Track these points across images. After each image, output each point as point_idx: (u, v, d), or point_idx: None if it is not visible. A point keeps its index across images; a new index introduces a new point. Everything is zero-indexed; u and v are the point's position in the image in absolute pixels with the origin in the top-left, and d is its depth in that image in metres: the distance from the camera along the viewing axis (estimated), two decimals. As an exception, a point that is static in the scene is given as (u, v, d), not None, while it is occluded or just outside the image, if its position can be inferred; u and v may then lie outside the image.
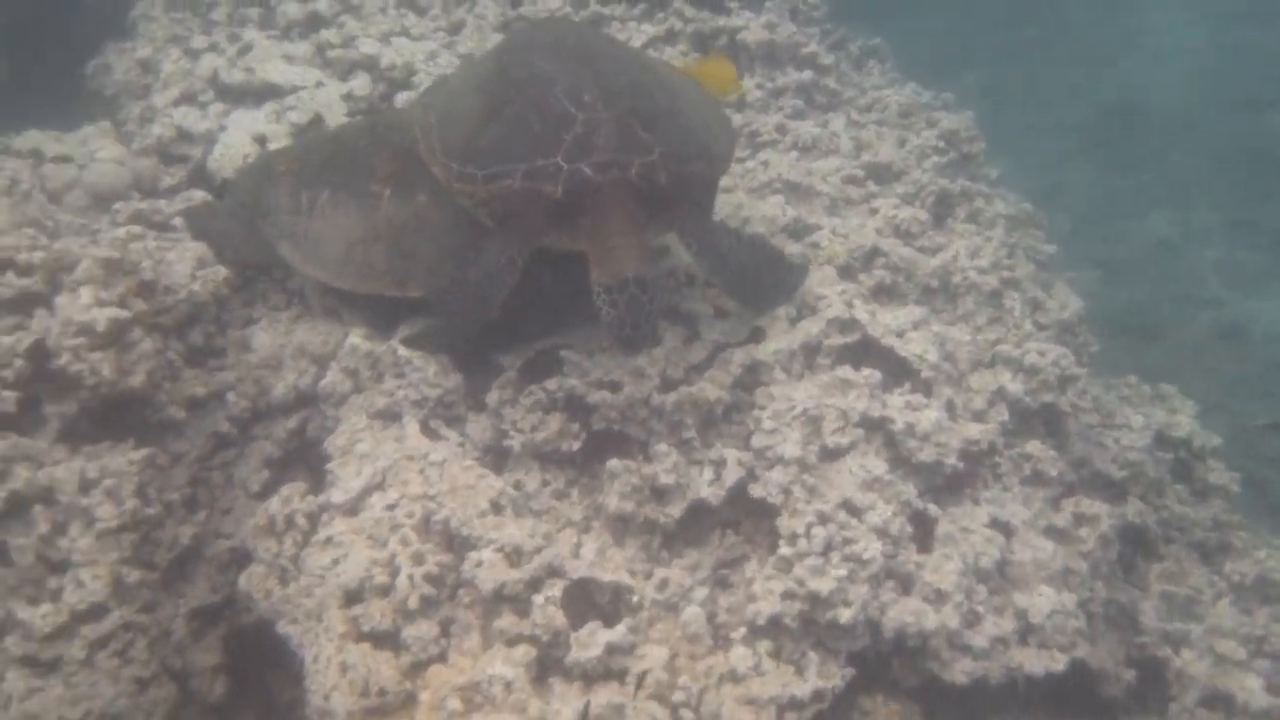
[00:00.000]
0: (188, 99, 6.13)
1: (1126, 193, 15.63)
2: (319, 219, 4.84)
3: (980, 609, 4.24)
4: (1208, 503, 5.95)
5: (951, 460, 4.53)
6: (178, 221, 5.32)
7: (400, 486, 4.15)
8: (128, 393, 4.25)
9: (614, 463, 4.27)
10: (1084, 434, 5.43)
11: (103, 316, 4.16)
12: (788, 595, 3.96)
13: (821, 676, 3.89)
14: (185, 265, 4.72)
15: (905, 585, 4.19)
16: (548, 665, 3.79)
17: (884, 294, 5.45)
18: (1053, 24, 18.69)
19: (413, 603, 3.76)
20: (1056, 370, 5.26)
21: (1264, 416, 10.82)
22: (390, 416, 4.52)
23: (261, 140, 5.72)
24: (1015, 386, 5.08)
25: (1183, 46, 19.11)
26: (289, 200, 4.93)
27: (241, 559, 4.29)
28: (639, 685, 3.74)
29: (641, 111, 4.29)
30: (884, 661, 4.21)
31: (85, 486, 4.01)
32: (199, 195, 5.64)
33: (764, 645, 3.96)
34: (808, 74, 7.02)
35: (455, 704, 3.57)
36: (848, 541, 4.05)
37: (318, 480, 4.38)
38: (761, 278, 4.88)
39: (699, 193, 4.71)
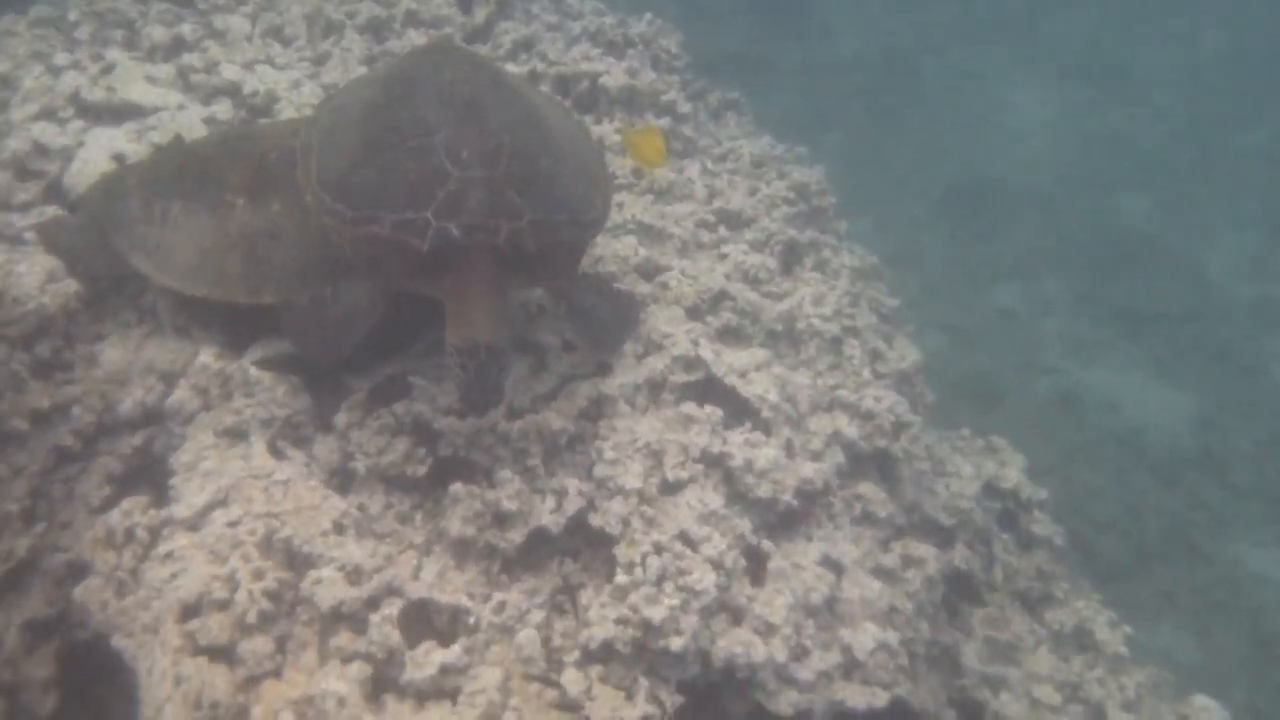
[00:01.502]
0: (47, 115, 6.07)
1: (976, 262, 16.04)
2: (171, 228, 4.83)
3: (808, 643, 4.38)
4: (1032, 553, 6.18)
5: (787, 497, 4.68)
6: (29, 235, 5.28)
7: (244, 504, 4.15)
8: (-30, 403, 4.24)
9: (457, 487, 4.33)
10: (916, 479, 5.61)
11: (-52, 325, 4.15)
12: (621, 621, 4.05)
13: (651, 703, 3.98)
14: (35, 278, 4.70)
15: (736, 617, 4.32)
16: (382, 683, 3.83)
17: (729, 335, 5.58)
18: (910, 95, 19.12)
19: (250, 617, 3.77)
20: (892, 417, 5.44)
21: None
22: (237, 435, 4.52)
23: (120, 159, 5.69)
24: (851, 430, 5.25)
25: (1034, 125, 19.69)
26: (141, 211, 4.92)
27: (79, 573, 4.23)
28: (471, 705, 3.80)
29: (517, 174, 4.27)
30: (713, 691, 4.33)
31: (-79, 494, 3.99)
32: (53, 211, 5.60)
33: (596, 670, 4.05)
34: (666, 121, 7.15)
35: (288, 718, 3.60)
36: (682, 572, 4.16)
37: (161, 497, 4.36)
38: (616, 322, 4.98)
39: (567, 256, 4.75)
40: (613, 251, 5.81)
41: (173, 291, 4.86)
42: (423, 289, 4.42)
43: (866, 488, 5.20)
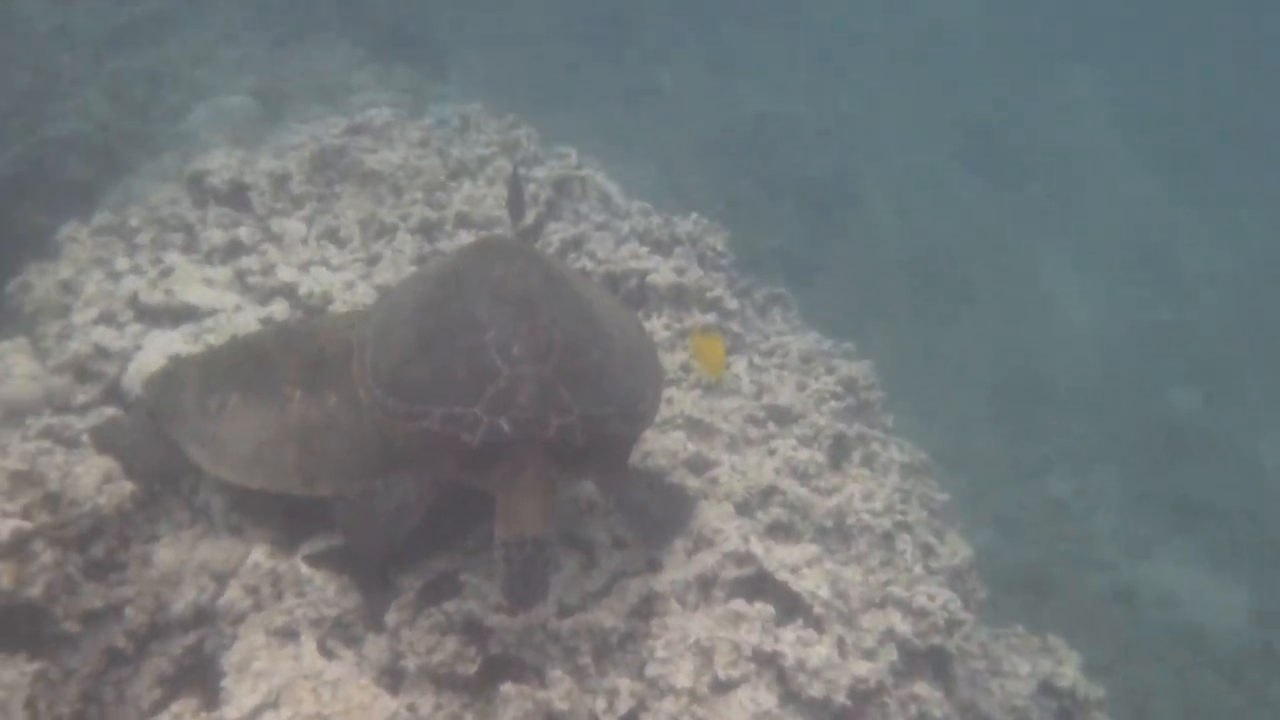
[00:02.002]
0: (106, 318, 6.22)
1: (1026, 457, 15.96)
2: (228, 420, 4.89)
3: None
4: (1090, 753, 6.05)
5: (840, 697, 4.60)
6: (85, 437, 5.35)
7: (294, 705, 4.13)
8: (24, 604, 4.23)
9: (508, 687, 4.30)
10: (971, 678, 5.51)
11: (5, 527, 4.18)
12: (676, 823, 3.99)
13: None
14: (92, 479, 4.73)
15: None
16: None
17: (780, 531, 5.56)
18: (957, 291, 19.22)
19: (298, 820, 3.74)
20: (945, 614, 5.37)
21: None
22: (288, 635, 4.50)
23: (176, 360, 5.81)
24: (905, 627, 5.18)
25: (1083, 320, 19.73)
26: (197, 404, 4.99)
27: (129, 776, 4.24)
28: None
29: (568, 370, 4.33)
30: None
31: (-25, 697, 3.98)
32: (111, 412, 5.68)
33: None
34: (713, 317, 7.22)
35: None
36: (737, 772, 4.10)
37: (212, 698, 4.33)
38: (667, 518, 4.96)
39: (617, 449, 4.77)
40: (662, 446, 5.83)
41: (226, 486, 4.91)
42: (473, 482, 4.43)
43: (921, 687, 5.11)
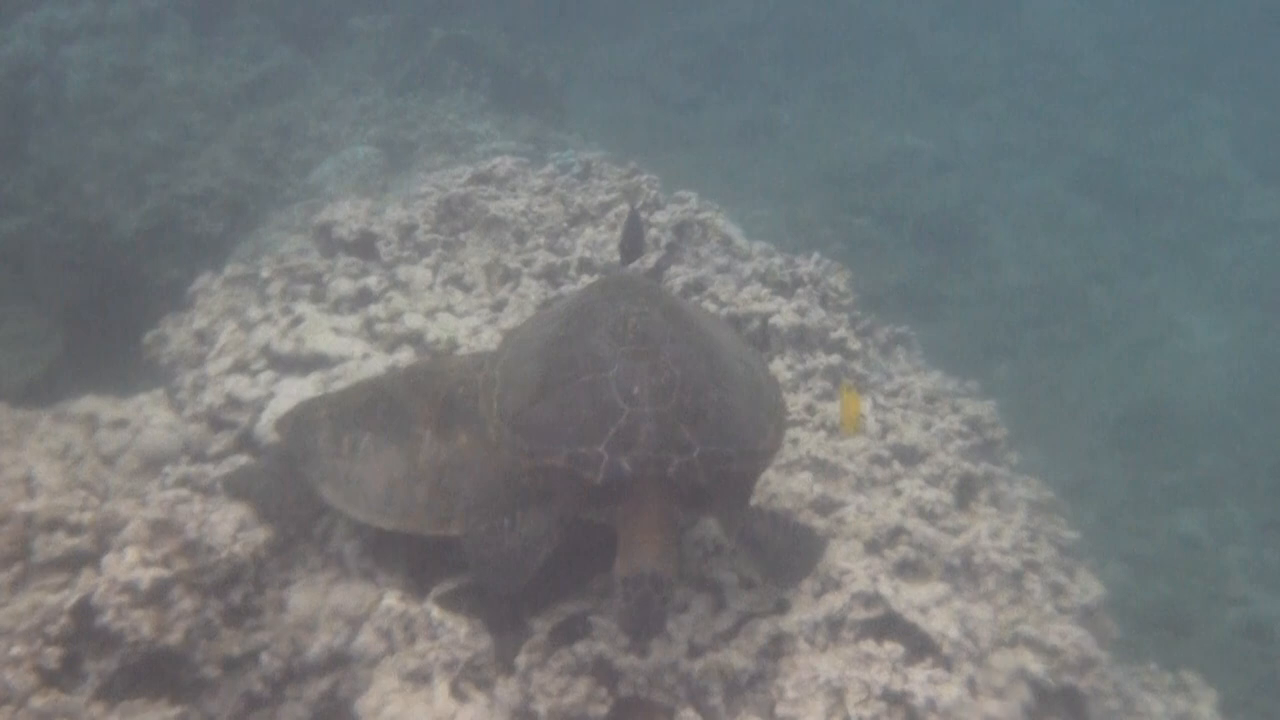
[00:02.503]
0: (240, 368, 6.37)
1: (1155, 490, 15.69)
2: (360, 461, 4.98)
3: None
4: (1230, 794, 5.93)
5: (973, 737, 4.57)
6: (219, 485, 5.47)
7: (428, 747, 4.20)
8: (165, 651, 4.34)
9: (639, 728, 4.33)
10: (1104, 718, 5.43)
11: (146, 576, 4.30)
12: None
13: None
14: (228, 526, 4.84)
15: None
16: None
17: (907, 570, 5.52)
18: (1080, 323, 19.00)
19: None
20: (1077, 652, 5.30)
21: None
22: (421, 678, 4.57)
23: (307, 410, 5.92)
24: (1036, 667, 5.12)
25: (1209, 349, 19.36)
26: (330, 444, 5.09)
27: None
28: None
29: (688, 409, 4.38)
30: None
31: (122, 744, 4.09)
32: (244, 460, 5.81)
33: None
34: (836, 358, 7.22)
35: None
36: (870, 813, 4.08)
37: (348, 742, 4.44)
38: (796, 558, 4.96)
39: (739, 485, 4.77)
40: (788, 488, 5.84)
41: (359, 530, 5.00)
42: (597, 518, 4.50)
43: (1054, 726, 5.06)
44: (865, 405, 5.99)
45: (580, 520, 4.53)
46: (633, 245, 6.16)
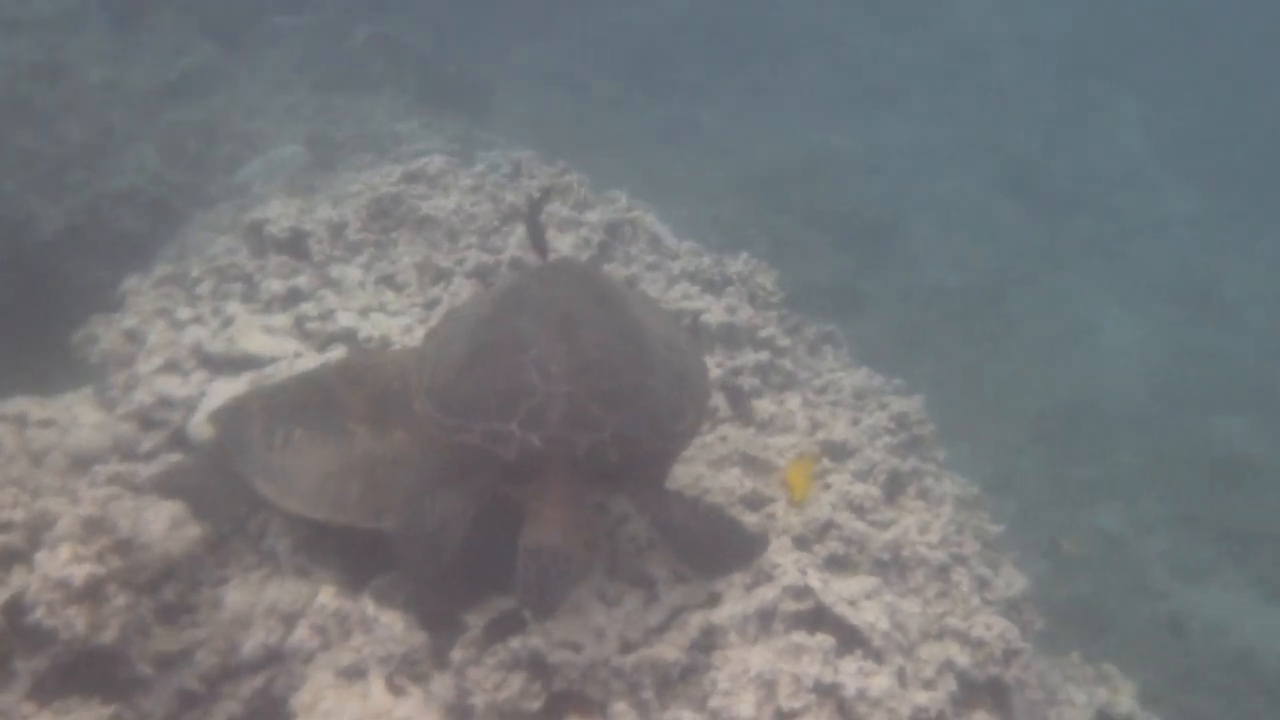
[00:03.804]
0: (170, 367, 6.34)
1: (1074, 486, 15.90)
2: (294, 454, 4.99)
3: None
4: (1146, 784, 6.05)
5: (902, 728, 4.64)
6: (151, 483, 5.44)
7: (364, 742, 4.22)
8: (99, 649, 4.31)
9: (574, 721, 4.38)
10: (1028, 709, 5.53)
11: (80, 572, 4.26)
12: None
13: None
14: (161, 524, 4.81)
15: None
16: None
17: (837, 564, 5.60)
18: (1000, 320, 19.19)
19: None
20: (1003, 644, 5.39)
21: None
22: (356, 673, 4.57)
23: (238, 409, 5.91)
24: (963, 658, 5.21)
25: (1127, 346, 19.63)
26: (263, 437, 5.09)
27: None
28: None
29: (603, 390, 4.46)
30: None
31: (54, 742, 4.07)
32: (176, 458, 5.79)
33: None
34: (765, 355, 7.31)
35: None
36: (799, 806, 4.15)
37: (282, 739, 4.44)
38: (716, 546, 5.01)
39: (654, 466, 4.89)
40: (719, 484, 5.90)
41: (293, 527, 5.00)
42: (511, 494, 4.60)
43: (981, 717, 5.13)
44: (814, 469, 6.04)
45: (497, 498, 4.61)
46: (538, 237, 6.16)
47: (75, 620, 4.22)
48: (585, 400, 4.41)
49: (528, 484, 4.54)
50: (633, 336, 4.81)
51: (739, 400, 6.79)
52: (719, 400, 6.76)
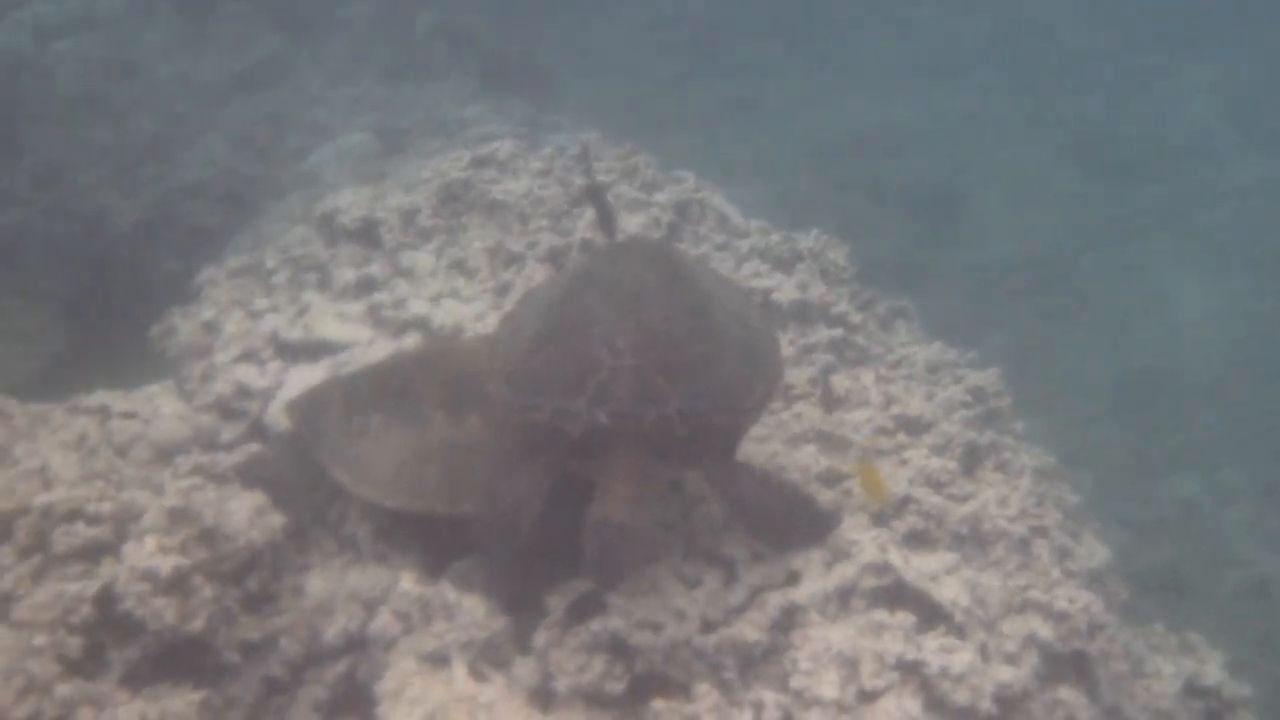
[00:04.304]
0: (248, 357, 6.41)
1: (1152, 456, 15.73)
2: (370, 441, 5.04)
3: None
4: (1239, 753, 5.97)
5: (986, 704, 4.59)
6: (232, 473, 5.50)
7: (450, 728, 4.24)
8: (187, 637, 4.36)
9: (657, 703, 4.37)
10: (1114, 681, 5.47)
11: (166, 564, 4.31)
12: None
13: None
14: (244, 513, 4.85)
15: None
16: None
17: (916, 540, 5.56)
18: (1072, 291, 19.00)
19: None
20: (1086, 617, 5.34)
21: None
22: (439, 659, 4.59)
23: (316, 397, 5.95)
24: (1046, 632, 5.17)
25: (1201, 315, 19.38)
26: (340, 425, 5.14)
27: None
28: None
29: (670, 362, 4.48)
30: None
31: (146, 727, 4.12)
32: (256, 448, 5.84)
33: None
34: (839, 331, 7.28)
35: None
36: (887, 781, 4.13)
37: (367, 724, 4.47)
38: (787, 520, 5.04)
39: (721, 440, 4.91)
40: (794, 461, 5.88)
41: (372, 513, 5.04)
42: (586, 471, 4.64)
43: (1065, 691, 5.09)
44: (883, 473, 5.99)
45: (570, 476, 4.66)
46: (606, 219, 6.16)
47: (164, 610, 4.27)
48: (651, 374, 4.43)
49: (593, 460, 4.60)
50: (701, 311, 4.82)
51: (825, 389, 6.73)
52: (802, 381, 6.74)
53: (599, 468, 4.59)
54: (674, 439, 4.53)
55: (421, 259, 7.48)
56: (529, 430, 4.66)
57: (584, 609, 4.71)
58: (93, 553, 4.44)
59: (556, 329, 4.71)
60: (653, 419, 4.38)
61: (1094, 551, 6.30)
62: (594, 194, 6.20)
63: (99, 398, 6.00)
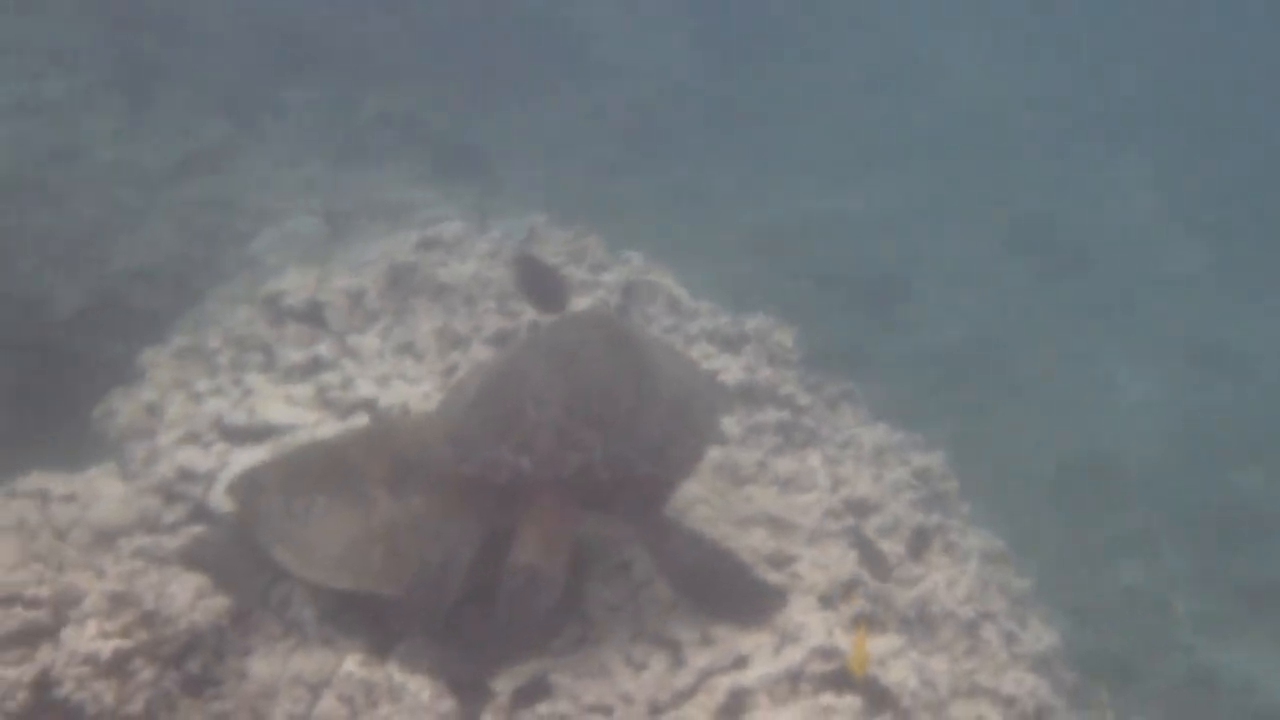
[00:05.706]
0: (192, 439, 6.35)
1: (1094, 542, 15.83)
2: (314, 523, 5.00)
3: None
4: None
5: (936, 786, 4.60)
6: (175, 556, 5.44)
7: (394, 812, 4.19)
8: (126, 720, 4.32)
9: (604, 787, 4.35)
10: (1063, 764, 5.49)
11: (107, 647, 4.28)
12: None
13: None
14: (186, 596, 4.80)
15: None
16: None
17: (864, 623, 5.56)
18: (1014, 378, 19.16)
19: None
20: (1034, 701, 5.36)
21: None
22: (384, 743, 4.56)
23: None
24: (994, 716, 5.17)
25: (1142, 402, 19.59)
26: (283, 506, 5.10)
27: None
28: None
29: (597, 415, 4.64)
30: None
31: (80, 819, 4.05)
32: (200, 530, 5.78)
33: None
34: (786, 413, 7.31)
35: None
36: None
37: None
38: (719, 585, 5.06)
39: (650, 493, 4.96)
40: (743, 544, 5.87)
41: (316, 596, 4.99)
42: (511, 521, 4.66)
43: (1014, 774, 5.10)
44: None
45: (503, 535, 4.66)
46: (536, 290, 6.07)
47: (103, 694, 4.23)
48: (577, 425, 4.58)
49: (519, 510, 4.65)
50: (637, 371, 4.95)
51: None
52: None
53: (520, 519, 4.64)
54: (600, 487, 4.63)
55: (368, 341, 7.46)
56: (463, 487, 4.77)
57: (531, 693, 4.68)
58: (30, 637, 4.36)
59: (493, 390, 4.89)
60: (575, 465, 4.53)
61: (1040, 635, 6.32)
62: (533, 269, 6.18)
63: (36, 481, 5.92)
